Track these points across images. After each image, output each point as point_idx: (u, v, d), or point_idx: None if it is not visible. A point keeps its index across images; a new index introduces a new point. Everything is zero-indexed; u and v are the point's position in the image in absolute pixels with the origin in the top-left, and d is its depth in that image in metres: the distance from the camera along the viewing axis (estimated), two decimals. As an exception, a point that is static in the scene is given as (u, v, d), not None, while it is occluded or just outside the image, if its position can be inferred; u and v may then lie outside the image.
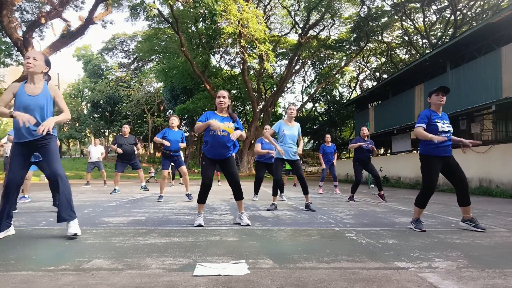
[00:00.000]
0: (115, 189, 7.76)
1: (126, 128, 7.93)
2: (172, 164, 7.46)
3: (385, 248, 2.67)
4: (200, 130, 3.54)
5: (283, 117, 35.07)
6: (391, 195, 8.93)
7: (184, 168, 6.39)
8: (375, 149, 6.42)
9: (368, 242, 2.86)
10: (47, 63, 3.03)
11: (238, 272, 1.98)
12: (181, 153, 6.40)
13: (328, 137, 9.01)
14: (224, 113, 3.66)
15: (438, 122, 3.48)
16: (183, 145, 6.27)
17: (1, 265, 2.10)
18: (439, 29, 24.30)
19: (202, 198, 3.62)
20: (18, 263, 2.14)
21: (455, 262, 2.28)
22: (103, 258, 2.27)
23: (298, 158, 5.15)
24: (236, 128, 3.61)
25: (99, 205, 5.38)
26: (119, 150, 7.54)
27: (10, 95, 2.91)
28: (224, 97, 3.60)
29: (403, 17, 23.47)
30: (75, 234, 2.86)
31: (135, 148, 7.82)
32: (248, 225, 3.59)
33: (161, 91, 32.96)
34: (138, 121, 32.55)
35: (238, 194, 3.73)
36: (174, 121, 6.25)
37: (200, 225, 3.50)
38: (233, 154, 3.84)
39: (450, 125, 3.55)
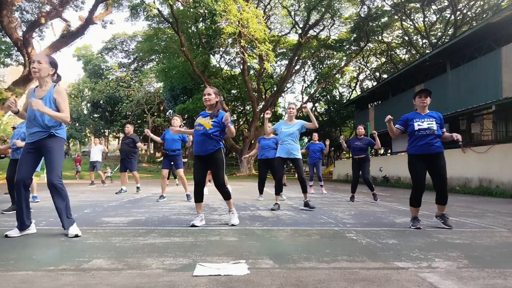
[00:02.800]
0: (121, 189, 7.77)
1: (129, 128, 8.01)
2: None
3: (385, 248, 2.67)
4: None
5: (283, 117, 35.09)
6: (391, 195, 8.93)
7: (180, 171, 6.35)
8: (376, 145, 6.29)
9: (368, 242, 2.86)
10: (52, 64, 3.03)
11: (238, 272, 1.98)
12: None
13: (315, 135, 9.07)
14: (211, 110, 3.63)
15: (416, 121, 3.63)
16: (189, 140, 6.17)
17: (1, 265, 2.10)
18: (439, 29, 24.30)
19: (196, 197, 3.60)
20: (18, 263, 2.14)
21: (455, 262, 2.28)
22: (103, 258, 2.27)
23: (300, 157, 5.10)
24: (216, 123, 3.49)
25: (99, 205, 5.39)
26: (144, 147, 7.65)
27: (27, 100, 3.01)
28: (209, 94, 3.59)
29: (403, 17, 23.47)
30: (76, 235, 2.89)
31: (135, 149, 7.85)
32: (233, 225, 3.57)
33: (161, 91, 32.93)
34: (138, 121, 32.52)
35: (222, 195, 3.67)
36: (176, 121, 6.26)
37: (193, 225, 3.49)
38: (222, 149, 3.69)
39: (432, 123, 3.56)
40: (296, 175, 5.16)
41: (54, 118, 2.89)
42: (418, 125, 3.58)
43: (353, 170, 6.46)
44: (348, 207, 5.59)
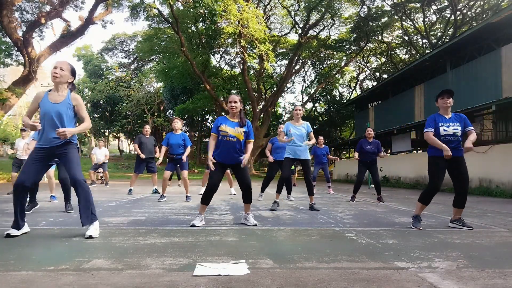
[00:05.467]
0: (130, 189, 7.71)
1: (148, 129, 7.87)
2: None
3: (385, 248, 2.67)
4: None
5: (282, 117, 35.08)
6: (391, 195, 8.94)
7: (185, 173, 6.39)
8: (382, 154, 6.38)
9: (368, 242, 2.86)
10: (73, 73, 3.09)
11: (238, 272, 1.99)
12: (185, 155, 6.29)
13: (320, 139, 8.98)
14: (235, 118, 3.67)
15: (441, 125, 3.56)
16: (188, 150, 6.19)
17: (1, 265, 2.10)
18: (439, 29, 24.30)
19: (205, 199, 3.60)
20: (18, 263, 2.14)
21: (455, 262, 2.28)
22: (103, 258, 2.27)
23: (309, 157, 5.12)
24: (246, 133, 3.64)
25: (99, 205, 5.38)
26: (142, 156, 7.50)
27: (36, 104, 3.01)
28: (235, 102, 3.62)
29: (403, 17, 23.47)
30: (90, 237, 2.88)
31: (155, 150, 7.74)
32: (255, 225, 3.61)
33: (161, 91, 32.89)
34: (138, 121, 32.47)
35: (247, 197, 3.73)
36: (177, 124, 6.25)
37: (193, 225, 3.50)
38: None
39: (458, 128, 3.53)
40: (304, 176, 5.15)
41: (81, 131, 3.02)
42: (444, 130, 3.53)
43: (360, 172, 6.45)
44: (348, 207, 5.59)
